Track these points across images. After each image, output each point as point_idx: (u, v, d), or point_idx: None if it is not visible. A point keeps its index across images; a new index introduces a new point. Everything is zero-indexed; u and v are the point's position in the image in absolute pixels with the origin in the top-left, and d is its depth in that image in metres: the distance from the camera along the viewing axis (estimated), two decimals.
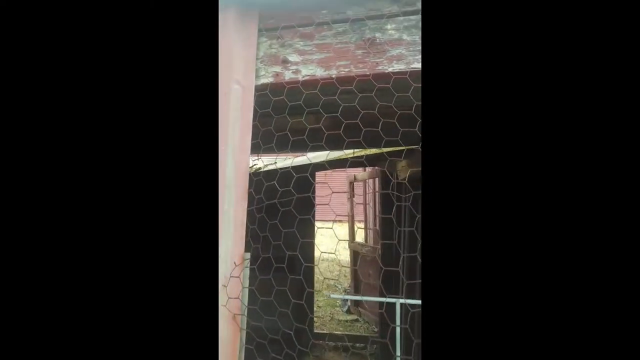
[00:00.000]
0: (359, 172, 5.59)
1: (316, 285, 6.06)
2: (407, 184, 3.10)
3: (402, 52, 1.13)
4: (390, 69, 1.11)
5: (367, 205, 5.47)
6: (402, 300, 1.20)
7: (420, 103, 1.07)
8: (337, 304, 5.59)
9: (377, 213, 4.90)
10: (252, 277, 1.11)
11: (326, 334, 4.51)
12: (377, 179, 4.84)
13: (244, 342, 1.07)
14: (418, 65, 1.12)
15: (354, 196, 5.50)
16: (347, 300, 5.53)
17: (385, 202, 4.40)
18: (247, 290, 1.08)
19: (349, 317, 5.24)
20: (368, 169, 5.26)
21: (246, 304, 1.07)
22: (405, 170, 3.15)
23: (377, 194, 4.93)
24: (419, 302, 1.12)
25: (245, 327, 1.07)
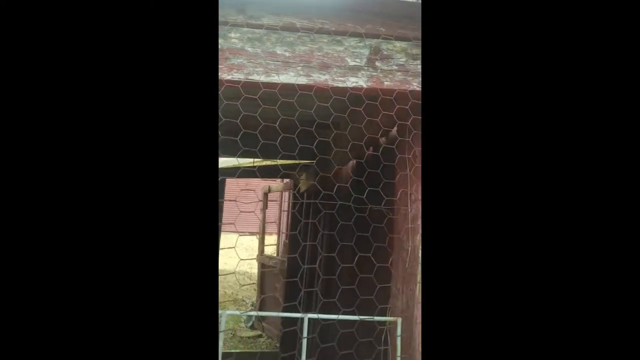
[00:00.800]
0: (275, 183, 5.53)
1: (221, 301, 5.81)
2: (307, 197, 3.11)
3: (242, 62, 1.10)
4: (228, 77, 1.08)
5: (280, 218, 5.42)
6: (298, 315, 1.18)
7: (246, 114, 1.04)
8: (242, 320, 5.41)
9: (286, 226, 4.86)
10: None
11: (231, 352, 4.29)
12: (290, 192, 4.82)
13: None
14: (257, 77, 1.09)
15: (267, 208, 5.42)
16: (252, 315, 5.38)
17: (293, 215, 4.39)
18: None
19: (252, 334, 5.09)
20: (285, 180, 5.22)
21: None
22: (305, 184, 3.17)
23: (288, 206, 4.91)
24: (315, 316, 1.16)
25: None
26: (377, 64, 1.20)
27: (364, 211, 1.44)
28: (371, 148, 2.13)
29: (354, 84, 1.18)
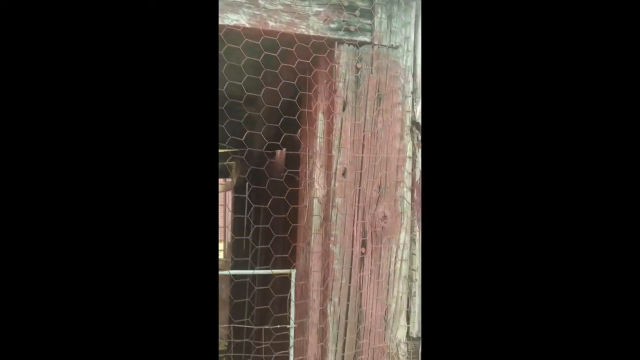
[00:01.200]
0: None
1: None
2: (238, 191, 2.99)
3: None
4: None
5: (225, 220, 5.25)
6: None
7: None
8: None
9: (231, 227, 4.72)
10: None
11: None
12: (232, 191, 4.67)
13: None
14: None
15: None
16: None
17: (235, 213, 4.25)
18: None
19: None
20: (228, 179, 5.06)
21: None
22: (235, 176, 3.05)
23: (232, 207, 4.76)
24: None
25: None
26: (260, 1, 1.13)
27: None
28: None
29: (233, 22, 1.10)
